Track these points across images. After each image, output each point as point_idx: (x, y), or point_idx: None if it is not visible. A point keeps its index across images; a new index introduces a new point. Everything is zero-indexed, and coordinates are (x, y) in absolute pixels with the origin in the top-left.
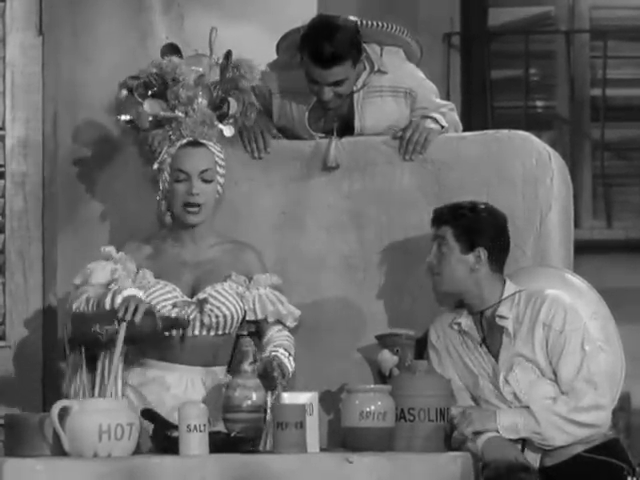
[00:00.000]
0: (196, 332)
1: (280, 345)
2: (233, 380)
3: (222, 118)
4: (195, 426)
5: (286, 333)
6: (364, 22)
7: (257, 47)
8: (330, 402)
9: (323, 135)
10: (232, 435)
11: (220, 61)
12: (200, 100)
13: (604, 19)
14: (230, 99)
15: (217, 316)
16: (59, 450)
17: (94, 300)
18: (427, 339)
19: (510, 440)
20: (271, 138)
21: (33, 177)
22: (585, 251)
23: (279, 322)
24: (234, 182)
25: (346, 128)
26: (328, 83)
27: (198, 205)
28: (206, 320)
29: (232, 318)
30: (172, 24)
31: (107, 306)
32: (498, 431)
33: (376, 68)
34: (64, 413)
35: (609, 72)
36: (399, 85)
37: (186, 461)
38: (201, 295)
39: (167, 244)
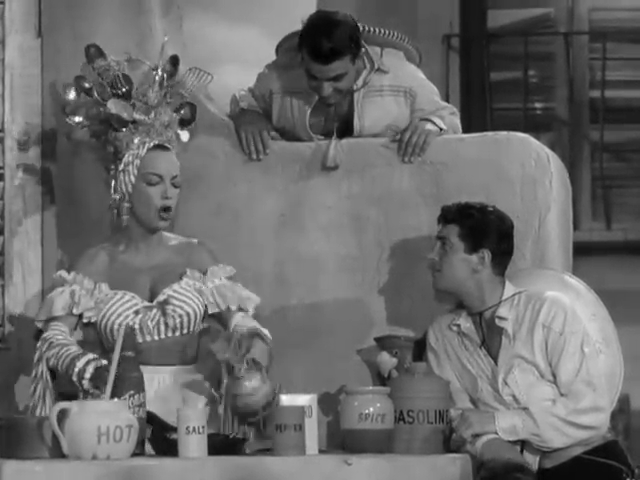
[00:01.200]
0: (162, 335)
1: (245, 326)
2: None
3: (183, 123)
4: (194, 428)
5: (251, 318)
6: (364, 28)
7: (256, 48)
8: (329, 404)
9: (322, 137)
10: (231, 437)
11: (165, 66)
12: (165, 103)
13: (603, 21)
14: (190, 104)
15: (180, 315)
16: (58, 452)
17: (62, 361)
18: (426, 341)
19: (509, 442)
20: (270, 140)
21: (32, 179)
22: (584, 253)
23: (241, 309)
24: (233, 184)
25: (346, 129)
26: (327, 78)
27: (170, 209)
28: (170, 322)
29: (195, 315)
30: (171, 26)
31: (74, 378)
32: (497, 433)
33: (376, 67)
34: (63, 415)
35: (608, 74)
36: (399, 84)
37: (185, 463)
38: (161, 297)
39: (119, 250)
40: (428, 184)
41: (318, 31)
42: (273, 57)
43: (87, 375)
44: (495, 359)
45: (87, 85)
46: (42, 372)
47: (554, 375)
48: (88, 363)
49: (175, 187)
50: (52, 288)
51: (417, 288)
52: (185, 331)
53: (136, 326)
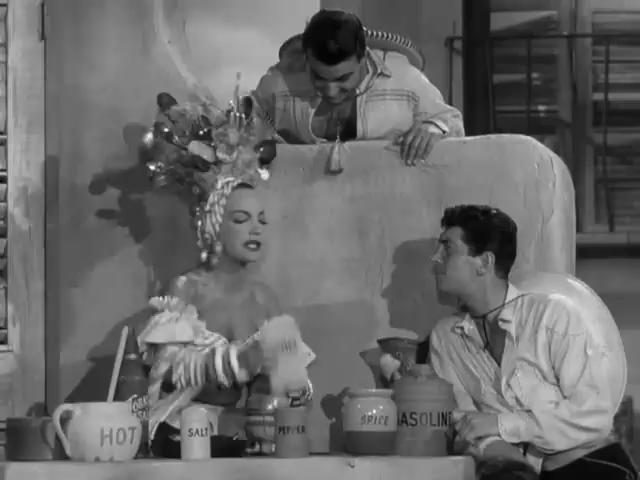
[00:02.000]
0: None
1: None
2: (254, 384)
3: (262, 161)
4: (197, 430)
5: None
6: (367, 32)
7: (259, 50)
8: (332, 406)
9: (325, 140)
10: (234, 439)
11: (240, 108)
12: (246, 142)
13: (606, 23)
14: (270, 142)
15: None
16: (61, 454)
17: (200, 368)
18: (429, 343)
19: (512, 444)
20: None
21: (35, 182)
22: (587, 255)
23: None
24: None
25: (349, 133)
26: (334, 79)
27: (259, 243)
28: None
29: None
30: (174, 29)
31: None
32: (500, 435)
33: (379, 71)
34: (66, 417)
35: (611, 76)
36: (402, 88)
37: (188, 465)
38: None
39: (208, 287)
40: (431, 187)
41: (324, 32)
42: (276, 59)
43: (233, 355)
44: (498, 361)
45: (166, 130)
46: (157, 393)
47: (557, 378)
48: (229, 348)
49: (262, 223)
50: (152, 313)
51: (420, 291)
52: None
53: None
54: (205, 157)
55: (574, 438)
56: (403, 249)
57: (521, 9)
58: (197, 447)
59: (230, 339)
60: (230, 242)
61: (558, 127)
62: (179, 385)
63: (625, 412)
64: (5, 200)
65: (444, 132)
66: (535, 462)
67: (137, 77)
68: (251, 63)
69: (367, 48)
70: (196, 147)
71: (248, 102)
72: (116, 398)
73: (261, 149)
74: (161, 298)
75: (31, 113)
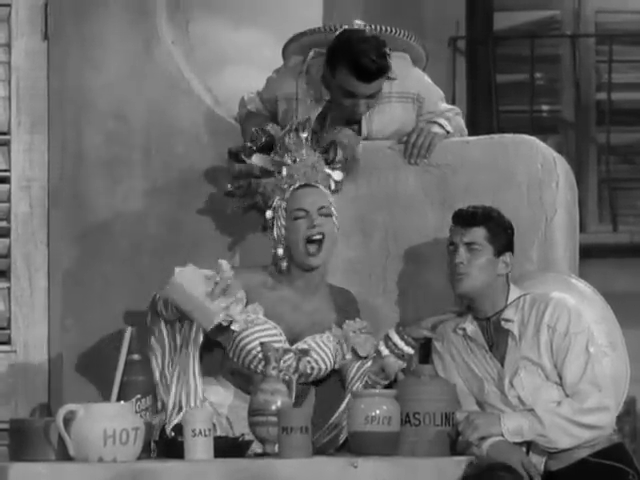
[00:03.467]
0: (286, 377)
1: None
2: (258, 384)
3: (329, 163)
4: (200, 431)
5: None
6: (371, 27)
7: (262, 50)
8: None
9: None
10: (239, 439)
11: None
12: (307, 146)
13: (610, 23)
14: (336, 144)
15: (312, 368)
16: (64, 455)
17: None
18: (431, 344)
19: (515, 444)
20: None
21: (38, 182)
22: (590, 255)
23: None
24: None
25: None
26: (366, 96)
27: (319, 241)
28: (301, 368)
29: (326, 370)
30: (177, 29)
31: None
32: (503, 435)
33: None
34: (69, 418)
35: (615, 76)
36: (407, 91)
37: (191, 466)
38: (301, 345)
39: (283, 283)
40: (434, 186)
41: (360, 50)
42: (279, 58)
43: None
44: (501, 361)
45: (233, 150)
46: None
47: (560, 376)
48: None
49: (324, 215)
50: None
51: (423, 290)
52: (308, 380)
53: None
54: (267, 167)
55: (577, 436)
56: (406, 249)
57: (524, 9)
58: (200, 447)
59: (291, 341)
60: (293, 242)
61: (561, 127)
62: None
63: (628, 412)
64: (8, 200)
65: (448, 132)
66: (538, 461)
67: (140, 77)
68: (255, 63)
69: None
70: (258, 159)
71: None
72: (119, 398)
73: (329, 152)
74: (226, 264)
75: (34, 113)
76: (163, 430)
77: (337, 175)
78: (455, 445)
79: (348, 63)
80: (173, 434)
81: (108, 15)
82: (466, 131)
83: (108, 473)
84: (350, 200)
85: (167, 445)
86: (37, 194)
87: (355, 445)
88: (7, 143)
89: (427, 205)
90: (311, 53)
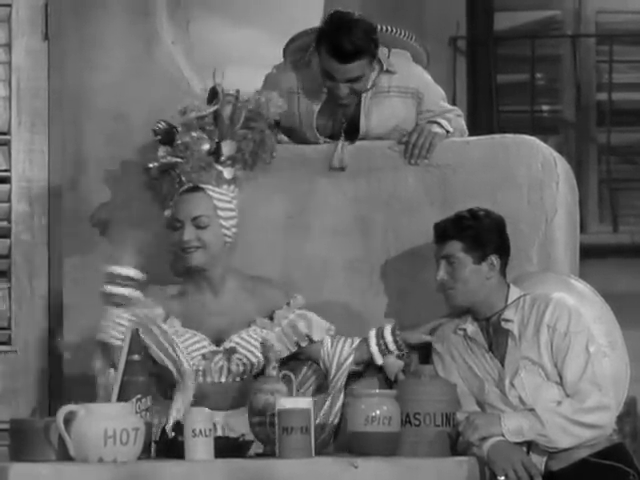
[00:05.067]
0: (222, 379)
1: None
2: (258, 385)
3: (219, 160)
4: (200, 431)
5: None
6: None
7: (262, 50)
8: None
9: (329, 140)
10: (240, 440)
11: (230, 100)
12: (199, 145)
13: (610, 23)
14: (224, 142)
15: (244, 364)
16: (64, 455)
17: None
18: (431, 345)
19: (516, 444)
20: (276, 144)
21: (39, 182)
22: (591, 255)
23: (312, 340)
24: (239, 186)
25: (354, 131)
26: (345, 79)
27: (190, 248)
28: (233, 368)
29: (258, 364)
30: (177, 29)
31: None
32: (503, 435)
33: (385, 68)
34: (69, 418)
35: (615, 76)
36: (407, 85)
37: (192, 466)
38: (227, 344)
39: (189, 292)
40: (434, 187)
41: (340, 29)
42: (279, 58)
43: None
44: (502, 361)
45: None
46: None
47: (560, 376)
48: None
49: (199, 227)
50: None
51: (423, 290)
52: (245, 377)
53: (201, 368)
54: (158, 161)
55: (578, 435)
56: (406, 249)
57: (525, 9)
58: (201, 448)
59: (217, 343)
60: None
61: (562, 127)
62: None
63: (629, 412)
64: (9, 200)
65: (448, 132)
66: (539, 461)
67: (140, 77)
68: (255, 62)
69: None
70: (161, 150)
71: (213, 93)
72: (120, 399)
73: (220, 147)
74: (137, 293)
75: (35, 113)
76: (164, 430)
77: (228, 173)
78: (455, 445)
79: (326, 42)
80: (174, 434)
81: (108, 15)
82: (467, 133)
83: (108, 473)
84: (350, 200)
85: (167, 445)
86: (37, 194)
87: (355, 445)
88: (7, 143)
89: (427, 205)
90: (312, 48)
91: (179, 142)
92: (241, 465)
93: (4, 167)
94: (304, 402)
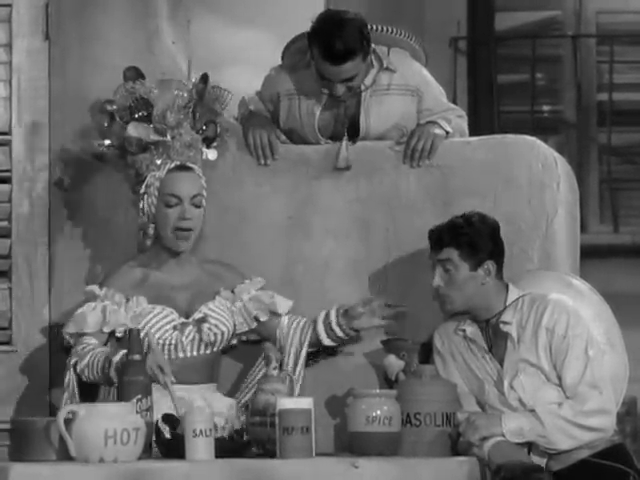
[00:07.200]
0: (194, 352)
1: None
2: (259, 385)
3: (206, 142)
4: (201, 431)
5: (295, 318)
6: (372, 26)
7: (263, 51)
8: (336, 407)
9: (330, 141)
10: (244, 440)
11: (197, 84)
12: (186, 124)
13: (611, 24)
14: (214, 122)
15: (215, 334)
16: (65, 455)
17: (96, 363)
18: (432, 344)
19: (517, 444)
20: (279, 145)
21: (39, 182)
22: (592, 256)
23: (276, 314)
24: (241, 186)
25: (355, 130)
26: (340, 80)
27: (189, 230)
28: (205, 338)
29: (228, 334)
30: (178, 29)
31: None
32: (504, 435)
33: (385, 65)
34: (70, 418)
35: (616, 77)
36: (407, 83)
37: (192, 466)
38: (197, 315)
39: (152, 269)
40: (435, 187)
41: (330, 31)
42: (279, 59)
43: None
44: (501, 363)
45: (110, 108)
46: (71, 384)
47: (559, 378)
48: (124, 355)
49: (196, 207)
50: (83, 302)
51: (424, 291)
52: (215, 349)
53: (173, 342)
54: (143, 138)
55: (578, 438)
56: (407, 249)
57: (525, 9)
58: (201, 448)
59: (187, 318)
60: (161, 226)
61: (562, 127)
62: (83, 377)
63: (629, 412)
64: (9, 201)
65: (447, 133)
66: (539, 462)
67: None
68: (255, 63)
69: (372, 45)
70: (134, 128)
71: (204, 79)
72: (120, 399)
73: (204, 128)
74: (94, 287)
75: (35, 113)
76: (157, 427)
77: (212, 154)
78: (456, 445)
79: (317, 44)
80: (167, 427)
81: (109, 15)
82: (467, 133)
83: (109, 473)
84: (351, 200)
85: (168, 445)
86: (38, 194)
87: (356, 445)
88: (8, 143)
89: (428, 205)
90: None
91: (170, 120)
92: (242, 465)
93: (5, 167)
94: (305, 402)
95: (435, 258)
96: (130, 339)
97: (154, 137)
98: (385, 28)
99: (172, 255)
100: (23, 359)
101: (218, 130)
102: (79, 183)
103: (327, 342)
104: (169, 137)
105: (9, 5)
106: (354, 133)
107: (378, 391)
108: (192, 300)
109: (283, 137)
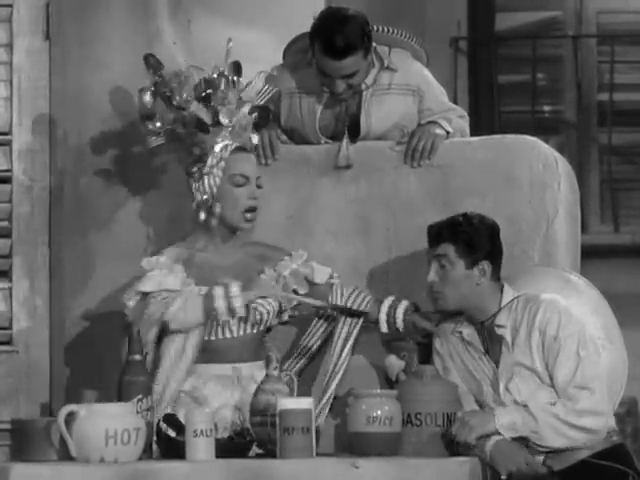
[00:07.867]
0: (241, 332)
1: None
2: (260, 385)
3: (256, 126)
4: (202, 431)
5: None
6: (372, 27)
7: (264, 51)
8: (337, 407)
9: (330, 141)
10: (244, 440)
11: (231, 73)
12: (243, 108)
13: (611, 24)
14: (262, 107)
15: (261, 313)
16: (66, 455)
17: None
18: (432, 345)
19: (516, 444)
20: (279, 145)
21: (40, 182)
22: (592, 256)
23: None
24: None
25: (356, 129)
26: (341, 75)
27: (256, 209)
28: (251, 319)
29: (273, 313)
30: (179, 29)
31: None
32: (498, 431)
33: (386, 65)
34: (71, 418)
35: (616, 77)
36: (407, 83)
37: (193, 466)
38: None
39: (196, 248)
40: (436, 187)
41: (331, 26)
42: (280, 58)
43: (234, 290)
44: (497, 365)
45: (165, 90)
46: (151, 343)
47: (552, 378)
48: (227, 285)
49: (259, 187)
50: (143, 273)
51: (424, 291)
52: (261, 328)
53: (219, 322)
54: (205, 119)
55: (569, 437)
56: (408, 249)
57: (526, 9)
58: (202, 448)
59: None
60: (229, 206)
61: (563, 127)
62: (172, 325)
63: (630, 412)
64: (10, 201)
65: (448, 133)
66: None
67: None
68: (256, 63)
69: (373, 43)
70: (197, 109)
71: (238, 67)
72: (121, 398)
73: (255, 114)
74: (151, 258)
75: (36, 113)
76: (159, 426)
77: (255, 139)
78: (457, 446)
79: (318, 39)
80: (166, 426)
81: (110, 15)
82: (468, 134)
83: (110, 473)
84: (351, 200)
85: (168, 445)
86: (38, 194)
87: (356, 446)
88: (9, 143)
89: (428, 205)
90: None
91: (232, 102)
92: (242, 465)
93: (5, 167)
94: (305, 402)
95: (432, 253)
96: (130, 339)
97: (222, 119)
98: (386, 29)
99: (225, 237)
100: (23, 359)
101: (266, 115)
102: (79, 183)
103: (384, 329)
104: (234, 119)
105: (10, 5)
106: (355, 132)
107: (379, 391)
108: (237, 280)
109: (284, 137)
